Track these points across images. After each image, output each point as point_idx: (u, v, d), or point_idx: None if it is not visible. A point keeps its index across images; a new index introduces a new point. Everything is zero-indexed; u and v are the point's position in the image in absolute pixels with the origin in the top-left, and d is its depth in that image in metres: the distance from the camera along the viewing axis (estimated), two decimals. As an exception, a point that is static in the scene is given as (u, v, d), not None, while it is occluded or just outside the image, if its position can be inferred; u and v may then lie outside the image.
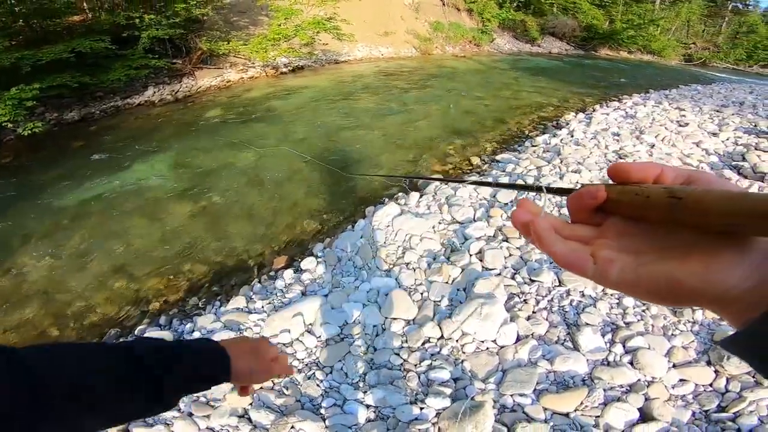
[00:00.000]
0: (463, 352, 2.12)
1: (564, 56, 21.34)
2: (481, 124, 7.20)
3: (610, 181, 0.31)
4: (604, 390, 1.86)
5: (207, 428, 1.86)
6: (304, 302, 2.55)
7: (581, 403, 1.80)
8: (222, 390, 1.98)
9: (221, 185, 4.83)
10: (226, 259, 3.57)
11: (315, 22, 11.20)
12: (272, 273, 3.31)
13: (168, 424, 1.87)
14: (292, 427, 1.81)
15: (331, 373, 2.14)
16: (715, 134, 5.38)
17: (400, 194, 4.26)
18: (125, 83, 8.11)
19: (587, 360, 2.01)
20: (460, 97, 9.15)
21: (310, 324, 2.43)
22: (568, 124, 6.69)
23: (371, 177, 4.81)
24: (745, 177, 4.06)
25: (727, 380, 1.91)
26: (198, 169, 5.26)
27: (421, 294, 2.58)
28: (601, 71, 15.51)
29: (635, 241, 0.28)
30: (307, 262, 3.15)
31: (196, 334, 2.53)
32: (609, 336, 2.15)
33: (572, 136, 5.64)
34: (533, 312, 2.33)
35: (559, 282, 2.51)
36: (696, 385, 1.90)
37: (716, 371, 1.95)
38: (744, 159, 4.40)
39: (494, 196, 3.66)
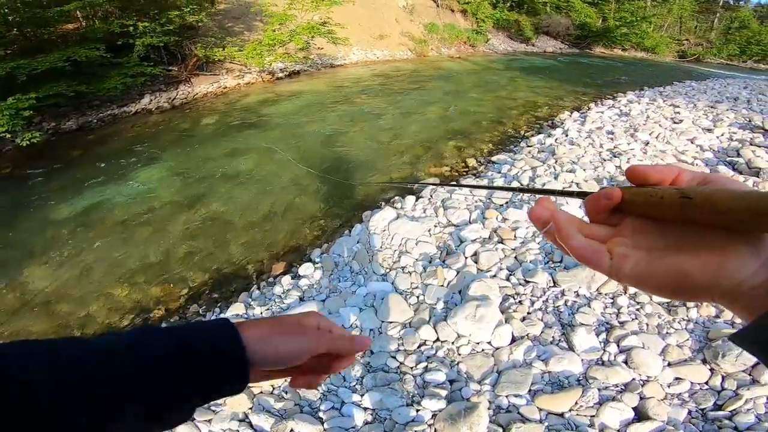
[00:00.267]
0: (459, 354, 2.14)
1: (559, 55, 21.40)
2: (477, 125, 7.23)
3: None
4: (599, 390, 1.87)
5: (207, 433, 1.88)
6: (301, 308, 2.57)
7: (576, 403, 1.82)
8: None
9: (219, 192, 4.85)
10: (226, 266, 3.59)
11: (309, 27, 11.24)
12: (271, 279, 3.33)
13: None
14: (292, 430, 1.83)
15: (328, 376, 2.15)
16: (709, 130, 5.40)
17: (396, 198, 4.28)
18: (122, 91, 8.12)
19: (582, 360, 2.03)
20: (456, 99, 9.18)
21: (308, 329, 2.44)
22: (563, 123, 6.72)
23: (368, 181, 4.82)
24: (741, 173, 4.07)
25: (723, 378, 1.92)
26: (196, 177, 5.28)
27: (417, 297, 2.60)
28: (595, 69, 15.57)
29: (649, 239, 0.29)
30: (305, 268, 3.16)
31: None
32: (603, 335, 2.17)
33: (567, 136, 5.67)
34: (528, 313, 2.35)
35: (554, 282, 2.53)
36: (692, 383, 1.91)
37: (712, 369, 1.96)
38: (739, 155, 4.42)
39: (489, 198, 3.68)
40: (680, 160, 4.46)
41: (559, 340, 2.18)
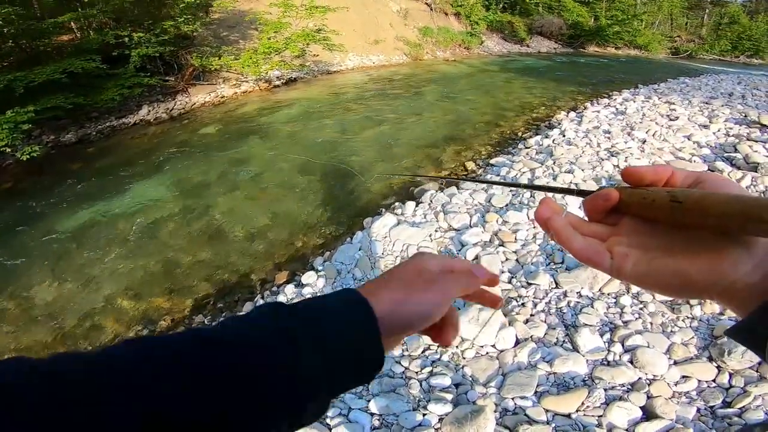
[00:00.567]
0: (463, 358, 2.14)
1: (553, 55, 21.54)
2: (474, 128, 7.27)
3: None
4: (605, 390, 1.88)
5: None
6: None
7: (582, 404, 1.82)
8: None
9: (221, 202, 4.86)
10: (229, 276, 3.60)
11: (304, 34, 11.30)
12: (274, 288, 3.34)
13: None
14: (298, 440, 1.82)
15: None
16: (705, 126, 5.43)
17: (396, 204, 4.29)
18: (119, 103, 8.13)
19: (587, 360, 2.03)
20: (453, 102, 9.22)
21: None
22: (560, 123, 6.75)
23: (366, 186, 4.84)
24: (738, 168, 4.07)
25: (730, 375, 1.91)
26: (197, 187, 5.29)
27: (421, 302, 2.60)
28: (590, 68, 15.67)
29: (646, 239, 0.30)
30: (308, 276, 3.17)
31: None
32: (608, 336, 2.17)
33: (564, 136, 5.69)
34: (531, 315, 2.35)
35: (556, 284, 2.53)
36: (699, 381, 1.91)
37: (718, 367, 1.95)
38: (736, 150, 4.42)
39: (489, 201, 3.69)
40: (678, 157, 4.47)
41: (563, 341, 2.18)
